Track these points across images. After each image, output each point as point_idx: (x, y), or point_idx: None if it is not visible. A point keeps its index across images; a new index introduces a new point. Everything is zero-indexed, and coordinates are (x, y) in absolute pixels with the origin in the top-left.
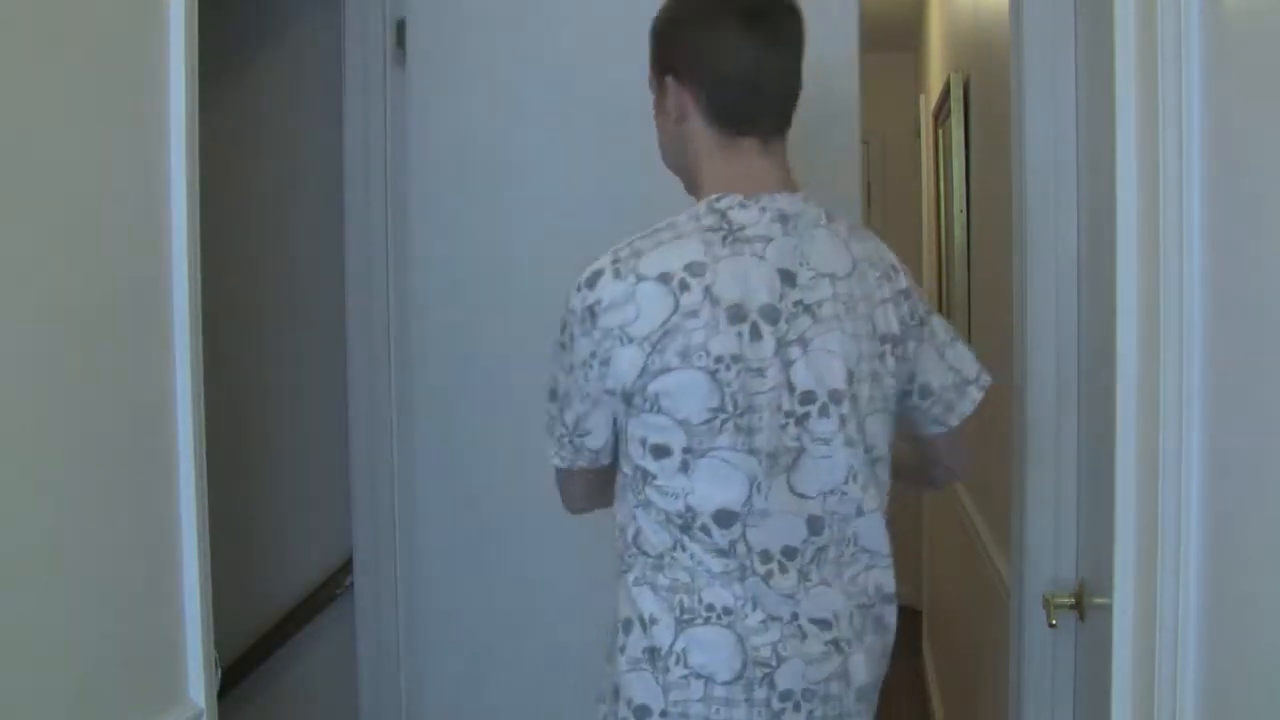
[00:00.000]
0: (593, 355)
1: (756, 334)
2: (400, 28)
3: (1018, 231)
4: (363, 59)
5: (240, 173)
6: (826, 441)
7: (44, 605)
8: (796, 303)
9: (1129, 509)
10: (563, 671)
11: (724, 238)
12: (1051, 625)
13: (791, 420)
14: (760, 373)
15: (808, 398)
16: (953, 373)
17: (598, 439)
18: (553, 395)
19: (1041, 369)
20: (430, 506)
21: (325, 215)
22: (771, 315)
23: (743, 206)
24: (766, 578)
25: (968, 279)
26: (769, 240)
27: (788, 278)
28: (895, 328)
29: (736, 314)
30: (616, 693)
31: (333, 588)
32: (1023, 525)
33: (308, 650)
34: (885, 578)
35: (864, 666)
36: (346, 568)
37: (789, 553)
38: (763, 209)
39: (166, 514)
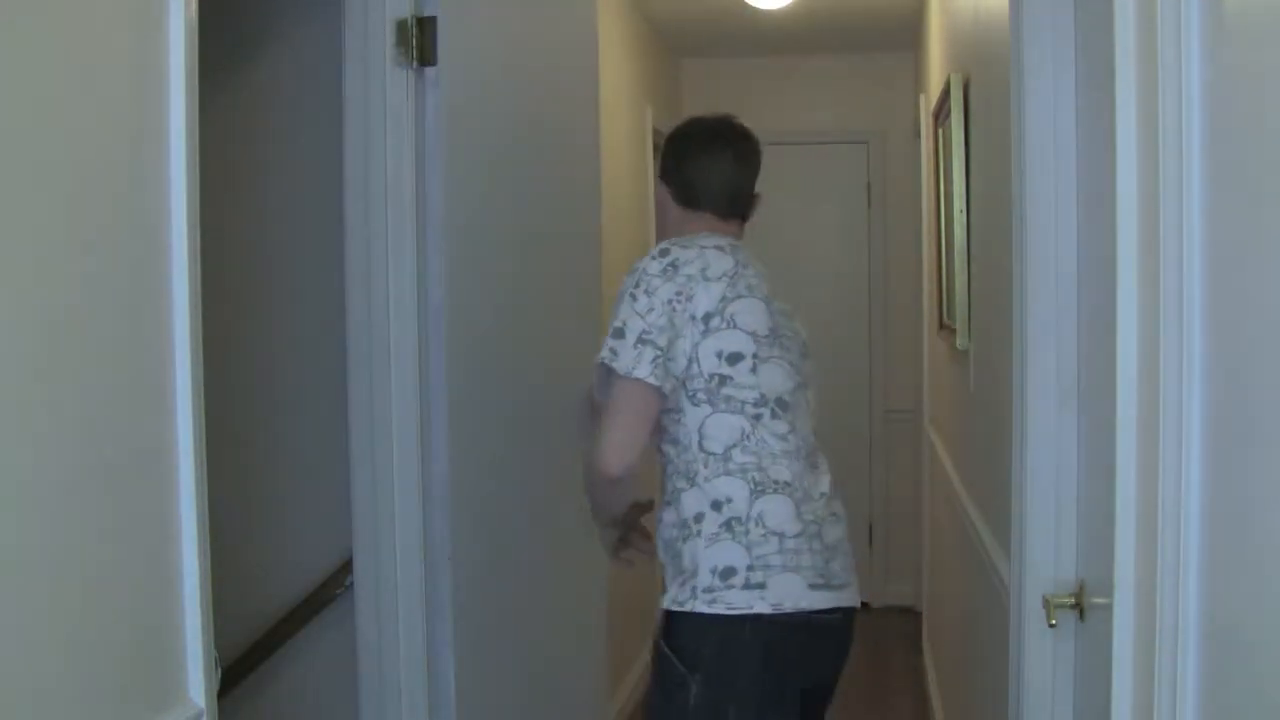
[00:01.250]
0: (678, 294)
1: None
2: (402, 27)
3: (1017, 231)
4: (363, 59)
5: (241, 171)
6: (803, 406)
7: (43, 605)
8: (781, 325)
9: (1129, 509)
10: (566, 670)
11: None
12: (1051, 625)
13: (797, 352)
14: (782, 314)
15: (799, 380)
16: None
17: (678, 365)
18: (620, 334)
19: (1041, 369)
20: (432, 506)
21: (327, 214)
22: (773, 332)
23: (709, 235)
24: (799, 456)
25: (968, 279)
26: (740, 277)
27: (772, 303)
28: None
29: (771, 333)
30: (696, 570)
31: (333, 588)
32: (1023, 525)
33: (308, 650)
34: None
35: (843, 540)
36: (346, 568)
37: (809, 443)
38: (716, 237)
39: (166, 514)
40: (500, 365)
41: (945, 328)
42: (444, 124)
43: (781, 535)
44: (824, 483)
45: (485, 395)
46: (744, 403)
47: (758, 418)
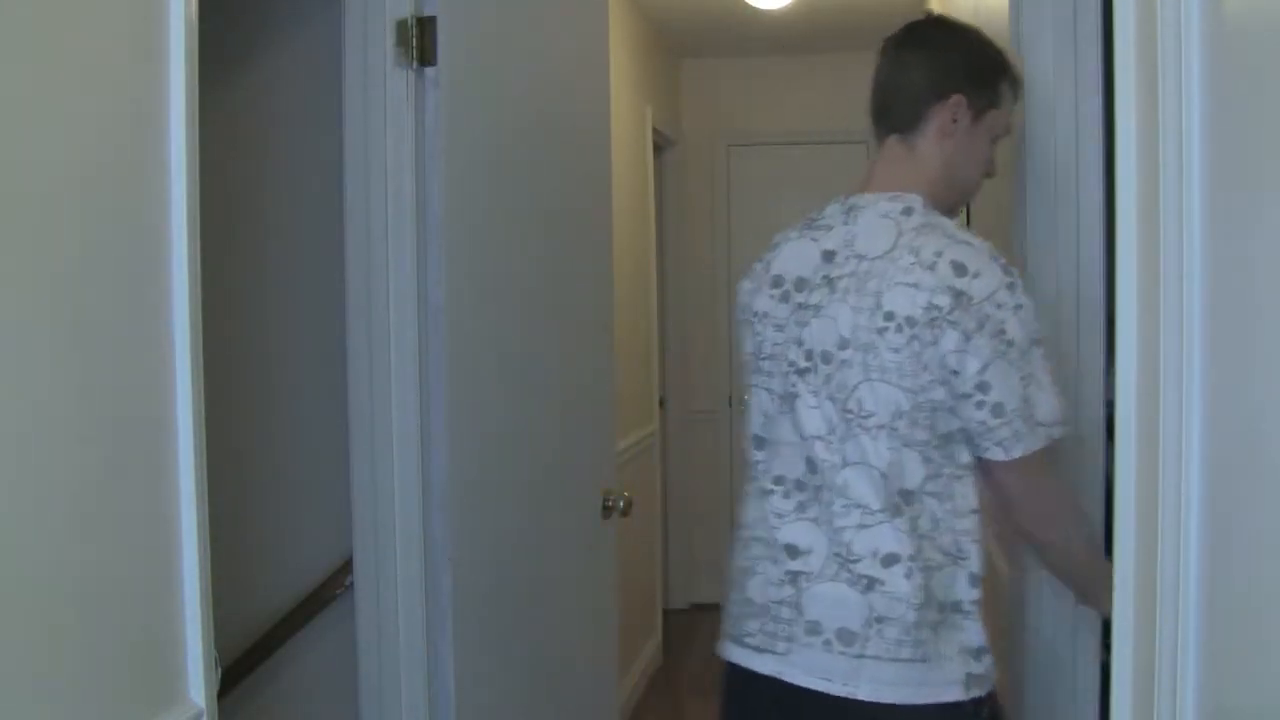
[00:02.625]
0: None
1: (785, 298)
2: (402, 27)
3: (1017, 231)
4: (363, 59)
5: (241, 171)
6: (815, 393)
7: (43, 605)
8: (825, 277)
9: (1129, 509)
10: (567, 672)
11: (804, 226)
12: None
13: (793, 370)
14: (780, 328)
15: (808, 355)
16: (1027, 406)
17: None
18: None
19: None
20: (432, 506)
21: (327, 214)
22: (800, 285)
23: (834, 202)
24: (768, 496)
25: None
26: (830, 228)
27: (828, 256)
28: (910, 310)
29: (776, 282)
30: None
31: (333, 588)
32: None
33: (308, 650)
34: (885, 538)
35: (820, 605)
36: (346, 568)
37: (798, 484)
38: (842, 203)
39: (166, 514)
40: (502, 365)
41: None
42: (444, 124)
43: (730, 575)
44: (790, 533)
45: (486, 395)
46: None
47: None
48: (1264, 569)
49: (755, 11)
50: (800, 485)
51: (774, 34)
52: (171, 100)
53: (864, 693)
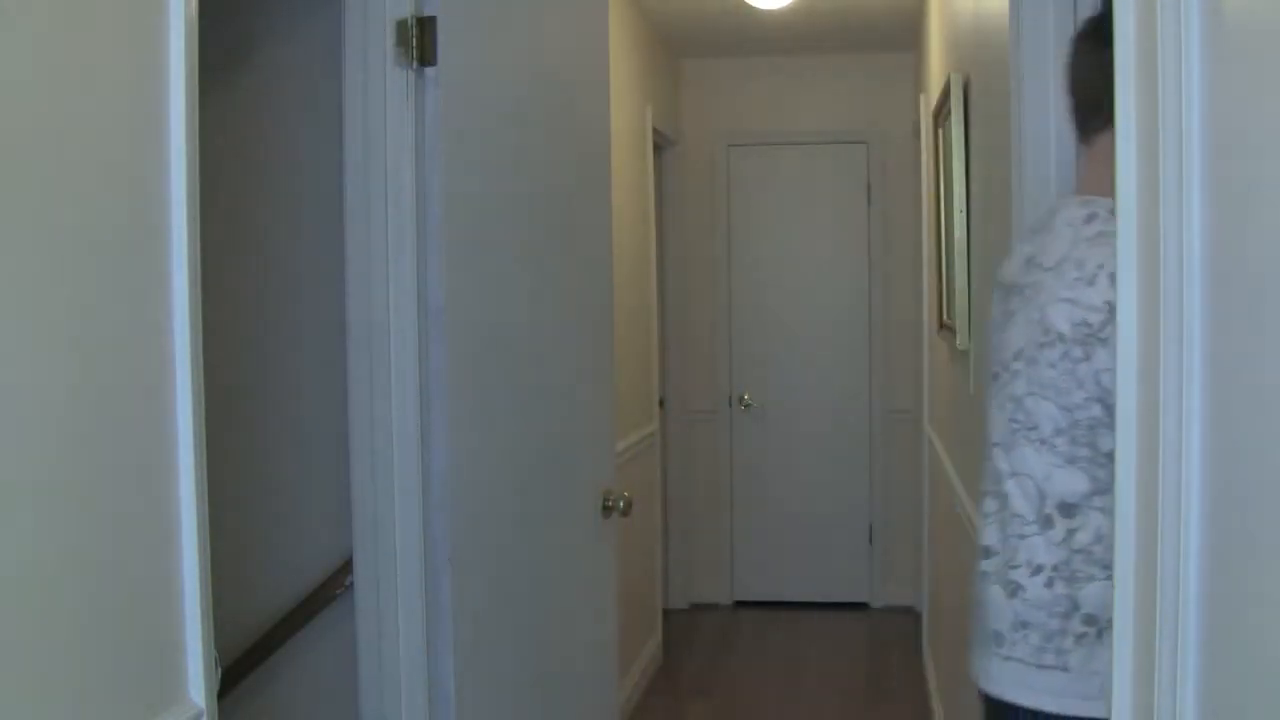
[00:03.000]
0: None
1: (999, 301)
2: (402, 27)
3: (1017, 231)
4: (363, 59)
5: (240, 171)
6: (997, 398)
7: (42, 605)
8: (1019, 284)
9: (1129, 509)
10: (567, 672)
11: (1031, 229)
12: None
13: (992, 376)
14: (997, 331)
15: (999, 361)
16: None
17: None
18: None
19: None
20: (432, 506)
21: (328, 213)
22: (1009, 291)
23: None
24: (983, 498)
25: (968, 279)
26: (1037, 233)
27: (1030, 262)
28: (1062, 326)
29: (999, 283)
30: None
31: (333, 588)
32: None
33: (308, 650)
34: (1036, 549)
35: (986, 607)
36: (346, 568)
37: (994, 487)
38: (1051, 207)
39: (166, 514)
40: (502, 365)
41: (945, 328)
42: (444, 124)
43: None
44: (986, 535)
45: (486, 395)
46: None
47: None
48: (1264, 569)
49: (755, 12)
50: (994, 488)
51: (774, 34)
52: (171, 100)
53: (1010, 694)
